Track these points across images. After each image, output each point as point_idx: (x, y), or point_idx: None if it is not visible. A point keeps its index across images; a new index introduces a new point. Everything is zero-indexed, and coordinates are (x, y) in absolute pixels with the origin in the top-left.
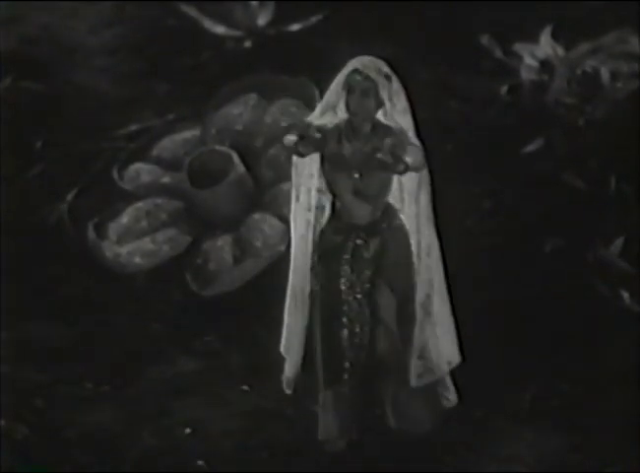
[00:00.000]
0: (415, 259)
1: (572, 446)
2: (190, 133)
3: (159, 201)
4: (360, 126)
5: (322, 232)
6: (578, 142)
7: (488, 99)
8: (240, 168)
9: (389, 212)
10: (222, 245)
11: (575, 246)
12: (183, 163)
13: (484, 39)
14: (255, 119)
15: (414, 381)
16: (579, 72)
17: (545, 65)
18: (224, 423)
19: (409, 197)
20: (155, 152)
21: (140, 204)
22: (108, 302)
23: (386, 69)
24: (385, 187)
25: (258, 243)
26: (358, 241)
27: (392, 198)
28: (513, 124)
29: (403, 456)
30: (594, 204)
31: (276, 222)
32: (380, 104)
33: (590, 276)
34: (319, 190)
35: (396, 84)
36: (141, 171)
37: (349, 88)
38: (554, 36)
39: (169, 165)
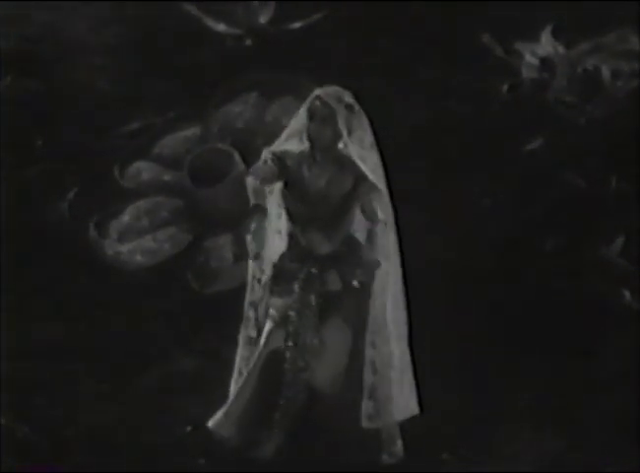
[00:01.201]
0: (371, 297)
1: (572, 446)
2: (191, 131)
3: (159, 199)
4: (320, 155)
5: (282, 255)
6: (578, 141)
7: (489, 97)
8: (241, 166)
9: (350, 245)
10: (222, 244)
11: (575, 245)
12: (184, 161)
13: (485, 38)
14: (256, 118)
15: (364, 422)
16: (580, 71)
17: (546, 63)
18: None
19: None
20: (155, 150)
21: (141, 202)
22: (109, 300)
23: (349, 100)
24: (344, 220)
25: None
26: (313, 270)
27: (357, 232)
28: (513, 123)
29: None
30: (594, 203)
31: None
32: (339, 135)
33: (590, 275)
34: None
35: (361, 116)
36: (142, 170)
37: (310, 115)
38: (555, 35)
39: (170, 163)
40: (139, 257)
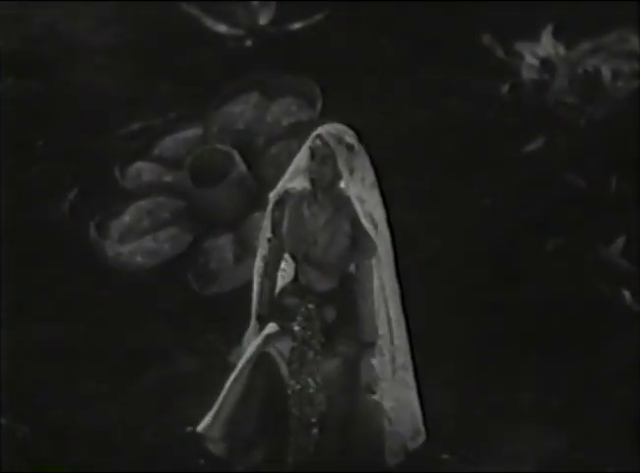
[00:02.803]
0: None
1: (573, 446)
2: (191, 132)
3: (160, 200)
4: (320, 194)
5: (280, 291)
6: (579, 141)
7: (489, 98)
8: (242, 166)
9: (348, 282)
10: (223, 244)
11: (576, 246)
12: (185, 161)
13: (486, 39)
14: (256, 118)
15: (390, 460)
16: (580, 71)
17: (546, 64)
18: None
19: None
20: (156, 151)
21: (141, 203)
22: (109, 300)
23: (350, 140)
24: (341, 258)
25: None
26: (310, 306)
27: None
28: (514, 123)
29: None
30: (595, 203)
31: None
32: (339, 175)
33: (591, 275)
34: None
35: (362, 156)
36: (142, 170)
37: (312, 154)
38: (555, 36)
39: (171, 163)
40: (139, 258)
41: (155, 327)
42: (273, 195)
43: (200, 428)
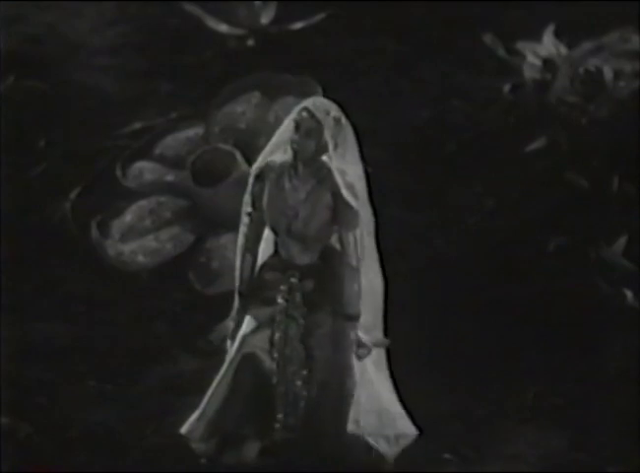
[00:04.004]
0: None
1: (575, 445)
2: (193, 131)
3: (162, 199)
4: (302, 167)
5: (262, 265)
6: (581, 141)
7: (491, 97)
8: (243, 166)
9: (329, 255)
10: (225, 244)
11: (578, 245)
12: (186, 161)
13: (487, 38)
14: (258, 118)
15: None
16: (582, 71)
17: (548, 64)
18: None
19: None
20: (158, 150)
21: (143, 202)
22: (111, 300)
23: (336, 113)
24: (322, 231)
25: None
26: (292, 280)
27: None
28: (516, 123)
29: (404, 455)
30: (597, 203)
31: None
32: (324, 148)
33: (593, 275)
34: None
35: (348, 130)
36: (144, 170)
37: (296, 126)
38: (557, 35)
39: (173, 163)
40: (141, 257)
41: (156, 327)
42: (253, 169)
43: (183, 429)
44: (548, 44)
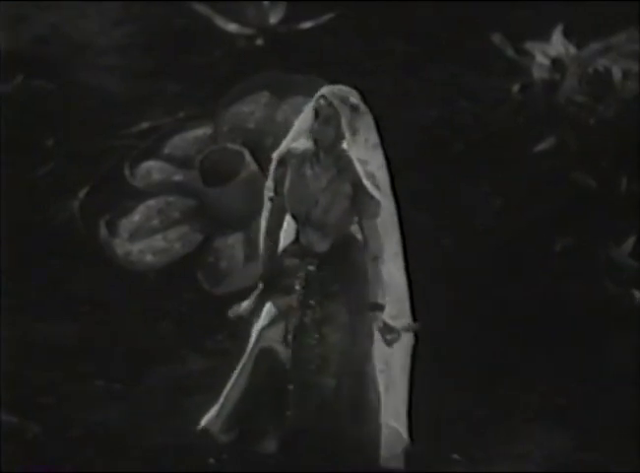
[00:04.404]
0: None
1: (581, 445)
2: (202, 131)
3: (170, 199)
4: (323, 155)
5: (283, 251)
6: (589, 141)
7: (500, 97)
8: (252, 166)
9: (349, 244)
10: (233, 244)
11: (586, 245)
12: (195, 161)
13: (496, 38)
14: (267, 117)
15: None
16: (590, 71)
17: (557, 64)
18: None
19: (370, 234)
20: (166, 150)
21: (151, 202)
22: (119, 299)
23: (354, 100)
24: (342, 219)
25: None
26: (310, 268)
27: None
28: (524, 123)
29: (411, 454)
30: (605, 203)
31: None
32: (343, 136)
33: (600, 275)
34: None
35: (366, 117)
36: (152, 169)
37: (315, 114)
38: (566, 35)
39: (181, 163)
40: (149, 257)
41: (164, 326)
42: (276, 155)
43: (203, 422)
44: (557, 44)
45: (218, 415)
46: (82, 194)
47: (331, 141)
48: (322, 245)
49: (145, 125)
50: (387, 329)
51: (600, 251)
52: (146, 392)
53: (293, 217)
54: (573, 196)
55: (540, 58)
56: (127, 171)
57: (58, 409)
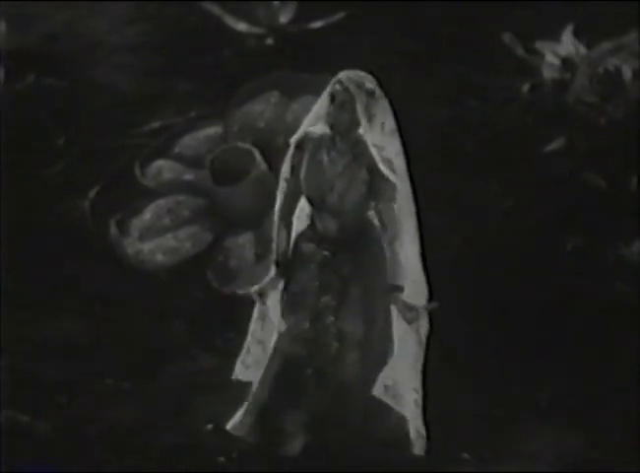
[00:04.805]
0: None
1: (591, 446)
2: (212, 130)
3: (180, 198)
4: (339, 140)
5: (298, 236)
6: (599, 141)
7: (509, 97)
8: (262, 165)
9: (365, 229)
10: (243, 243)
11: (596, 245)
12: (205, 160)
13: (506, 38)
14: (277, 117)
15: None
16: (600, 71)
17: (567, 63)
18: None
19: (387, 218)
20: (177, 149)
21: (162, 201)
22: (130, 298)
23: (370, 85)
24: (358, 205)
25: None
26: (326, 253)
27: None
28: (534, 123)
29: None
30: (615, 203)
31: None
32: (358, 121)
33: (610, 275)
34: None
35: (383, 102)
36: (163, 169)
37: (331, 99)
38: (576, 35)
39: (191, 162)
40: (160, 256)
41: (174, 325)
42: (293, 139)
43: (229, 426)
44: (567, 44)
45: (244, 418)
46: (92, 193)
47: (347, 126)
48: (338, 231)
49: (155, 124)
50: (407, 307)
51: (610, 251)
52: (156, 391)
53: (309, 201)
54: (583, 196)
55: (549, 58)
56: (138, 171)
57: (69, 407)
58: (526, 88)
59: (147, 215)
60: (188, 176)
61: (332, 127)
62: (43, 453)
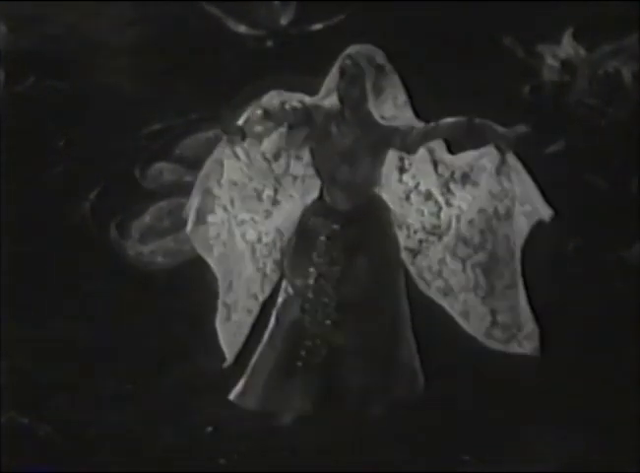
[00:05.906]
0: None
1: (594, 447)
2: (212, 132)
3: (181, 200)
4: (349, 114)
5: (306, 209)
6: (600, 143)
7: (510, 99)
8: None
9: (373, 204)
10: None
11: (597, 247)
12: (205, 162)
13: (507, 40)
14: None
15: None
16: (601, 73)
17: (567, 66)
18: (245, 422)
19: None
20: (177, 151)
21: (162, 203)
22: (130, 300)
23: (380, 60)
24: (369, 179)
25: None
26: (334, 226)
27: (384, 192)
28: (534, 125)
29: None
30: (616, 205)
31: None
32: (367, 96)
33: (611, 277)
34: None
35: (393, 76)
36: (163, 171)
37: (341, 73)
38: (576, 37)
39: (192, 164)
40: (160, 258)
41: (174, 327)
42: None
43: (232, 396)
44: (568, 47)
45: (246, 388)
46: (93, 195)
47: (356, 100)
48: (347, 204)
49: (156, 126)
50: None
51: (610, 254)
52: (157, 393)
53: (318, 175)
54: (583, 198)
55: (550, 60)
56: (138, 173)
57: (70, 409)
58: (526, 90)
59: (147, 217)
60: (188, 178)
61: (342, 101)
62: (44, 455)
